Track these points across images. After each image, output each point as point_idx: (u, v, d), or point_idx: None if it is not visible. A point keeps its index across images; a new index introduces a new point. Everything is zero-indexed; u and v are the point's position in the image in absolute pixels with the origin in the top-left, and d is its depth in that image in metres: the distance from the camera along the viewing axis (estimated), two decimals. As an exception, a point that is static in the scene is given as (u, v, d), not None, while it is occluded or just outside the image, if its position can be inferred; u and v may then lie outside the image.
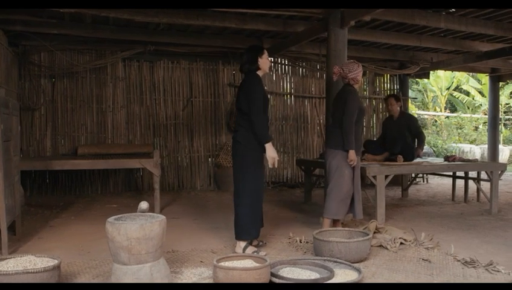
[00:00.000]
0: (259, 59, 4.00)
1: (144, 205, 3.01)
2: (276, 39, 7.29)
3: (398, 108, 6.41)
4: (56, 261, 2.89)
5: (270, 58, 4.26)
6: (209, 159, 8.21)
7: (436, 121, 16.88)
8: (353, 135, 4.29)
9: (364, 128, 9.22)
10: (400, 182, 7.41)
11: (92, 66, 7.40)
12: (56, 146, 7.45)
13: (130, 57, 7.60)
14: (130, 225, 2.73)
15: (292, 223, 5.13)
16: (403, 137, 6.13)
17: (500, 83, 11.44)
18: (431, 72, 16.44)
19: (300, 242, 4.20)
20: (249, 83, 3.90)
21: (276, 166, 3.83)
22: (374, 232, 4.21)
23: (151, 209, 5.79)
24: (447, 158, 6.41)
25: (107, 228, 2.79)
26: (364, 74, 9.17)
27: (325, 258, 3.43)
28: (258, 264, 2.99)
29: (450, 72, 16.12)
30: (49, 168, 5.88)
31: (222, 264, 2.95)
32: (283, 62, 8.62)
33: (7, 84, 6.34)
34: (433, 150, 12.77)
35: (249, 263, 3.07)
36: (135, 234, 2.72)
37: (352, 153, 4.28)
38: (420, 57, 8.41)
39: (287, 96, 8.74)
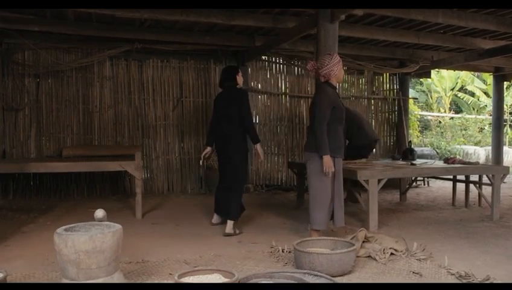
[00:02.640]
0: (237, 76, 4.91)
1: (99, 213, 2.72)
2: (268, 36, 7.00)
3: None
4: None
5: (264, 57, 5.85)
6: (200, 162, 7.91)
7: (440, 122, 16.51)
8: (325, 139, 3.94)
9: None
10: (397, 185, 7.10)
11: (77, 65, 7.12)
12: (41, 148, 7.19)
13: (117, 55, 7.32)
14: (78, 236, 2.45)
15: (279, 230, 4.82)
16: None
17: (506, 83, 11.09)
18: (435, 72, 16.23)
19: (283, 252, 3.89)
20: (242, 96, 4.81)
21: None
22: (363, 241, 3.90)
23: (133, 214, 5.60)
24: (446, 160, 6.10)
25: (54, 239, 2.51)
26: (362, 73, 8.87)
27: (305, 271, 3.12)
28: (225, 280, 2.70)
29: (455, 72, 15.78)
30: (23, 171, 5.63)
31: (184, 280, 2.65)
32: (277, 61, 8.32)
33: (-14, 83, 6.10)
34: (437, 152, 12.40)
35: (216, 278, 2.77)
36: (84, 247, 2.43)
37: (326, 159, 3.93)
38: (420, 55, 8.07)
39: (281, 96, 8.43)
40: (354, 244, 3.41)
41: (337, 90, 4.27)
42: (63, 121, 7.24)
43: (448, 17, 5.44)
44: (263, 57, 8.18)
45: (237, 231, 4.64)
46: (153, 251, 3.97)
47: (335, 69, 4.08)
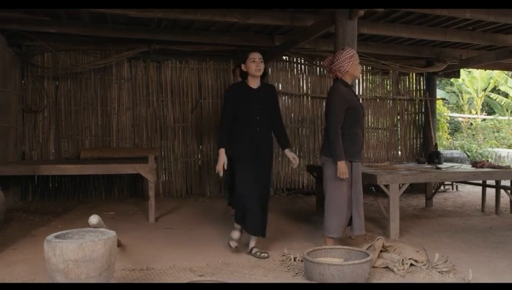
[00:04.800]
0: (243, 65, 4.00)
1: (93, 219, 2.59)
2: (287, 36, 6.80)
3: None
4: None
5: (284, 57, 4.99)
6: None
7: (471, 124, 15.91)
8: (339, 143, 3.68)
9: (386, 132, 8.60)
10: (423, 189, 6.77)
11: (95, 66, 7.09)
12: (59, 150, 7.18)
13: (136, 57, 7.26)
14: (66, 244, 2.31)
15: (294, 237, 4.61)
16: None
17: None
18: (466, 72, 15.66)
19: (295, 260, 3.67)
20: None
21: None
22: (381, 251, 3.65)
23: (147, 218, 5.48)
24: (474, 164, 5.76)
25: (44, 247, 2.38)
26: (387, 73, 8.56)
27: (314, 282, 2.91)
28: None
29: (487, 72, 15.20)
30: (35, 173, 5.58)
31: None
32: (299, 61, 8.10)
33: (4, 85, 6.11)
34: (467, 155, 11.91)
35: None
36: (72, 255, 2.30)
37: (341, 165, 3.66)
38: (448, 53, 7.71)
39: (303, 97, 8.20)
40: (368, 255, 3.17)
41: (353, 88, 4.01)
42: (81, 123, 7.23)
43: (476, 12, 5.13)
44: (284, 58, 7.97)
45: (267, 254, 3.88)
46: (160, 257, 3.82)
47: (345, 65, 3.76)
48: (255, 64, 3.88)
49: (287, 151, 4.10)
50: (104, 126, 7.33)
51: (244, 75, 3.99)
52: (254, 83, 3.97)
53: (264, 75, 4.00)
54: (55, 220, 5.42)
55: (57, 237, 2.46)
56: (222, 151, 3.89)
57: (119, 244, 3.98)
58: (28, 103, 6.98)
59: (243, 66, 3.97)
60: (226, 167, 3.86)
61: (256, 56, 3.91)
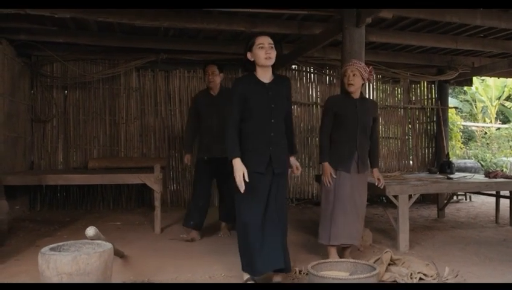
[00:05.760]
0: (248, 54, 3.29)
1: (90, 231, 2.54)
2: (296, 44, 6.73)
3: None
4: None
5: (293, 66, 4.48)
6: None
7: (485, 133, 15.64)
8: (324, 146, 3.86)
9: (397, 141, 8.46)
10: (436, 199, 6.61)
11: (103, 76, 7.09)
12: (68, 159, 7.18)
13: (144, 66, 7.26)
14: (60, 256, 2.26)
15: (300, 249, 4.50)
16: None
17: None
18: (480, 81, 15.44)
19: (300, 273, 3.58)
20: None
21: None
22: (389, 264, 3.54)
23: (152, 228, 5.42)
24: (488, 174, 5.60)
25: (38, 259, 2.32)
26: (397, 82, 8.45)
27: (318, 298, 2.81)
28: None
29: (501, 80, 14.98)
30: (41, 183, 5.57)
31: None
32: (308, 70, 8.03)
33: (13, 95, 6.14)
34: (481, 164, 11.68)
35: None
36: (66, 268, 2.24)
37: (323, 167, 3.84)
38: (460, 61, 7.58)
39: (312, 106, 8.12)
40: (375, 269, 3.06)
41: (354, 97, 3.92)
42: (89, 132, 7.22)
43: (487, 18, 5.00)
44: (293, 66, 7.92)
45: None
46: (163, 269, 3.75)
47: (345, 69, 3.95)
48: (264, 51, 3.18)
49: (292, 158, 3.50)
50: (112, 136, 7.32)
51: (251, 66, 3.27)
52: (265, 76, 3.25)
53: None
54: (61, 230, 5.38)
55: (52, 249, 2.40)
56: (239, 161, 3.07)
57: (122, 256, 3.93)
58: (37, 113, 7.00)
59: (248, 55, 3.26)
60: (247, 179, 3.05)
61: (265, 41, 3.22)
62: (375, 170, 4.10)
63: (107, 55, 7.06)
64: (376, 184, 4.09)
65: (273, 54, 3.21)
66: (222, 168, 4.55)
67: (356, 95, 3.89)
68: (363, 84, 3.94)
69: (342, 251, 3.94)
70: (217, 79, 4.95)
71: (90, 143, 7.23)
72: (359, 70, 3.82)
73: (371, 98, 8.30)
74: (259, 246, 3.12)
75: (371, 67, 3.96)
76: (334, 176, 3.82)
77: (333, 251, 3.83)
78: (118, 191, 7.28)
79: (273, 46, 3.24)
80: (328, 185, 3.81)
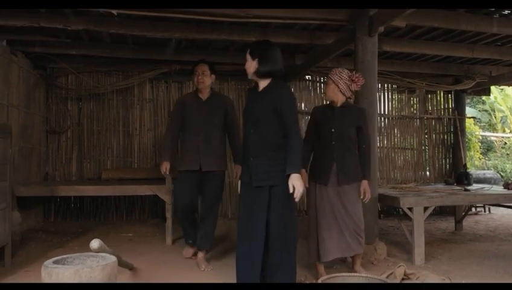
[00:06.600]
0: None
1: (95, 243, 2.50)
2: (308, 54, 6.69)
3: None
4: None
5: (307, 77, 4.84)
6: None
7: (505, 143, 15.33)
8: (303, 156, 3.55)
9: (414, 152, 8.30)
10: (453, 211, 6.45)
11: (116, 87, 7.14)
12: (82, 170, 7.22)
13: (157, 77, 7.29)
14: (63, 269, 2.23)
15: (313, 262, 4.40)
16: None
17: None
18: (499, 90, 15.15)
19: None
20: None
21: None
22: (403, 279, 3.43)
23: (164, 240, 5.38)
24: (507, 185, 5.45)
25: (41, 272, 2.29)
26: (413, 92, 8.33)
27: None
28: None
29: (521, 89, 14.67)
30: (53, 194, 5.58)
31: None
32: (322, 80, 7.97)
33: (28, 107, 6.20)
34: (501, 175, 11.42)
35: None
36: (68, 282, 2.19)
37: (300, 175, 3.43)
38: (477, 70, 7.44)
39: (326, 116, 8.02)
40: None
41: (335, 106, 3.79)
42: (103, 143, 7.26)
43: (504, 26, 4.91)
44: (307, 77, 7.88)
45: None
46: (172, 282, 3.70)
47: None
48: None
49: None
50: (126, 147, 7.34)
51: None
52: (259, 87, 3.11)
53: None
54: (73, 241, 5.38)
55: (55, 262, 2.37)
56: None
57: (131, 268, 3.90)
58: (52, 124, 7.06)
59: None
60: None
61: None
62: (364, 182, 3.73)
63: (120, 67, 7.12)
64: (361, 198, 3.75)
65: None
66: (209, 182, 4.35)
67: (338, 104, 3.75)
68: (351, 95, 3.80)
69: (352, 263, 3.87)
70: (207, 80, 4.37)
71: (104, 154, 7.27)
72: (332, 78, 3.71)
73: (385, 108, 8.20)
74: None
75: (356, 74, 3.74)
76: (306, 185, 3.66)
77: (321, 268, 3.75)
78: (131, 202, 7.28)
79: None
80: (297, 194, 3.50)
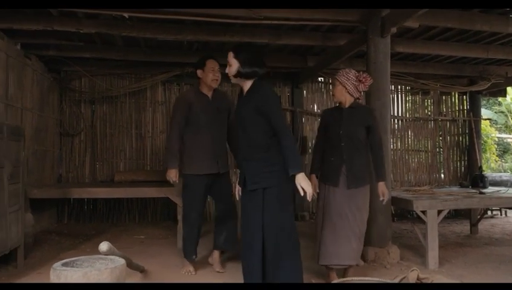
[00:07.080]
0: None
1: (103, 246, 2.50)
2: (320, 56, 6.65)
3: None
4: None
5: (320, 78, 4.79)
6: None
7: (523, 145, 15.10)
8: (313, 158, 3.87)
9: (428, 154, 8.20)
10: (469, 215, 6.35)
11: (129, 90, 7.18)
12: (95, 172, 7.27)
13: (169, 80, 7.32)
14: (71, 272, 2.22)
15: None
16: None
17: None
18: (511, 89, 14.91)
19: (322, 292, 3.45)
20: None
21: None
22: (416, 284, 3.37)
23: (175, 242, 5.37)
24: (523, 189, 5.34)
25: (50, 274, 2.29)
26: (427, 93, 8.24)
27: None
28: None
29: (538, 90, 14.42)
30: (66, 196, 5.62)
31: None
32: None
33: (41, 110, 6.26)
34: (518, 178, 11.23)
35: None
36: (77, 285, 2.19)
37: (310, 180, 3.46)
38: (492, 71, 7.33)
39: (339, 118, 7.97)
40: (400, 288, 2.92)
41: (343, 108, 3.70)
42: (116, 146, 7.31)
43: (520, 26, 4.82)
44: (319, 79, 7.84)
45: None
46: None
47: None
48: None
49: None
50: (139, 149, 7.38)
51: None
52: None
53: None
54: (85, 243, 5.41)
55: (64, 264, 2.37)
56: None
57: (142, 271, 3.90)
58: (66, 127, 7.13)
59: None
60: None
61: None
62: (380, 184, 3.63)
63: (133, 70, 7.16)
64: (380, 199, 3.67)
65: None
66: (225, 183, 4.27)
67: (346, 105, 3.68)
68: (359, 95, 3.72)
69: (343, 272, 3.70)
70: (219, 77, 4.14)
71: (116, 156, 7.31)
72: (339, 79, 3.64)
73: (399, 110, 8.12)
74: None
75: (364, 74, 3.65)
76: (317, 190, 3.63)
77: (333, 274, 3.64)
78: (143, 204, 7.30)
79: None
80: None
